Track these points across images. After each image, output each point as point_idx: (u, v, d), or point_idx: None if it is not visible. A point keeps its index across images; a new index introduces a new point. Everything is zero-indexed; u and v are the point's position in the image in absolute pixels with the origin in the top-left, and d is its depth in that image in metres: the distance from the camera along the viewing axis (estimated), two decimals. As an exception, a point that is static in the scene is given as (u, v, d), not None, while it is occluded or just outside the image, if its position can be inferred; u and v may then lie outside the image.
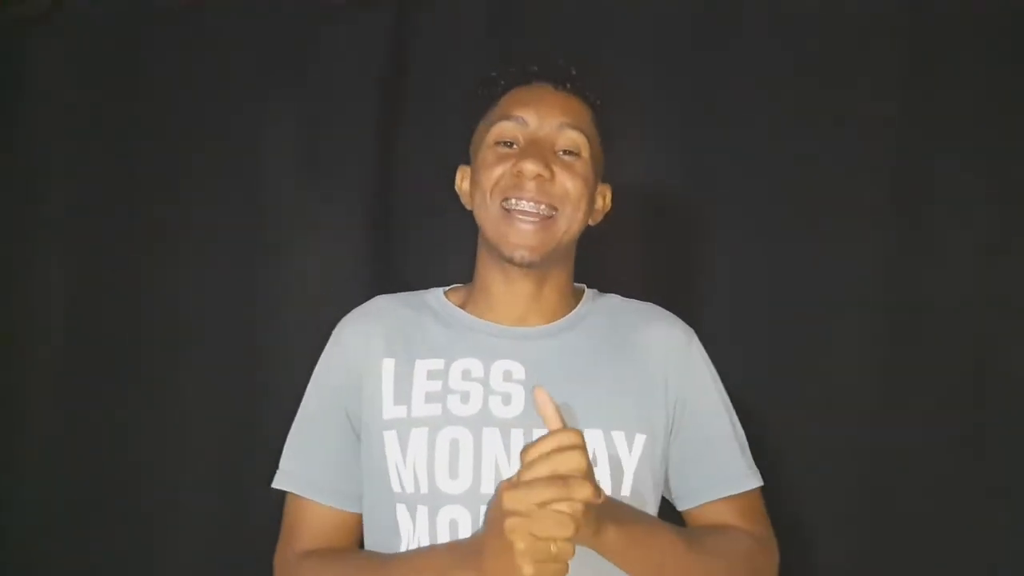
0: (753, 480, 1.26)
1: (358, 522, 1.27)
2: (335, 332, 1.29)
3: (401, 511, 1.16)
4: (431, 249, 1.82)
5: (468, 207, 1.29)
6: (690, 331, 1.29)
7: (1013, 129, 1.68)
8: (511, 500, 0.93)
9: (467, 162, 1.33)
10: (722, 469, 1.24)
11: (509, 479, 0.98)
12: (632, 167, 1.77)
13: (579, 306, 1.29)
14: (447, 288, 1.33)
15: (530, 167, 1.16)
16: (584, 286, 1.34)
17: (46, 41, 1.88)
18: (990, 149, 1.69)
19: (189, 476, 1.84)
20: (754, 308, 1.74)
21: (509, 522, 0.93)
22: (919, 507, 1.70)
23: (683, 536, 1.14)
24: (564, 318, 1.26)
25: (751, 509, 1.25)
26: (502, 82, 1.27)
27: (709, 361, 1.29)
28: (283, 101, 1.85)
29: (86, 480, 1.88)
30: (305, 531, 1.24)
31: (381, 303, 1.30)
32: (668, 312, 1.31)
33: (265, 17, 1.85)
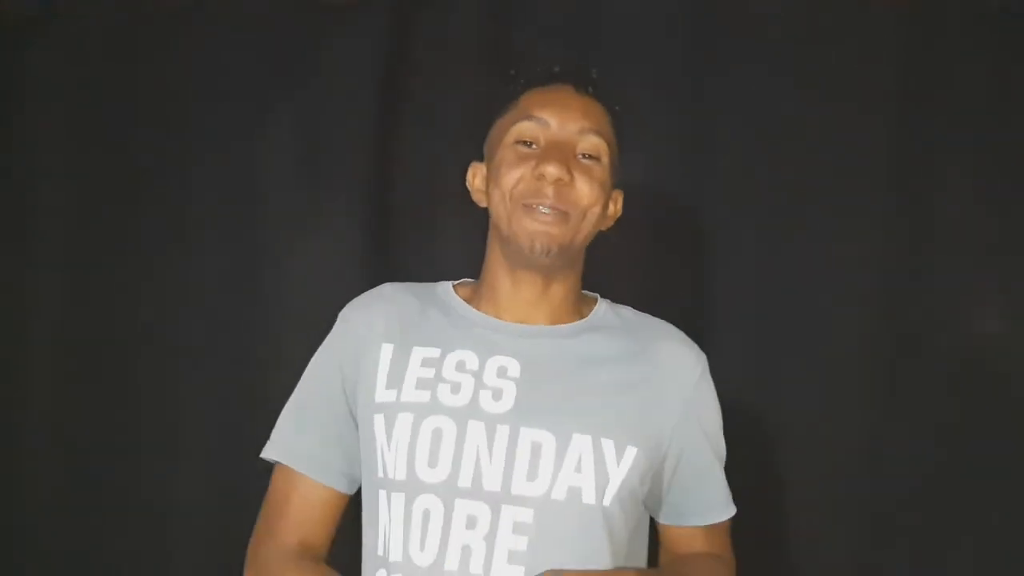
0: (730, 509, 1.30)
1: (343, 504, 1.27)
2: (342, 312, 1.29)
3: (382, 497, 1.17)
4: (430, 249, 1.82)
5: (480, 204, 1.28)
6: (702, 356, 1.27)
7: (1011, 131, 1.68)
8: None
9: (470, 160, 1.31)
10: (707, 499, 1.28)
11: None
12: (630, 169, 1.77)
13: (591, 314, 1.27)
14: (456, 282, 1.32)
15: (551, 170, 1.15)
16: (597, 295, 1.31)
17: (45, 42, 1.88)
18: (989, 151, 1.69)
19: (186, 476, 1.85)
20: (752, 312, 1.74)
21: None
22: (918, 510, 1.70)
23: None
24: (572, 323, 1.25)
25: (723, 534, 1.31)
26: (522, 80, 1.26)
27: (714, 389, 1.27)
28: (282, 102, 1.85)
29: (85, 478, 1.88)
30: (290, 508, 1.24)
31: (389, 289, 1.30)
32: (682, 333, 1.29)
33: (265, 18, 1.85)
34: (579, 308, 1.27)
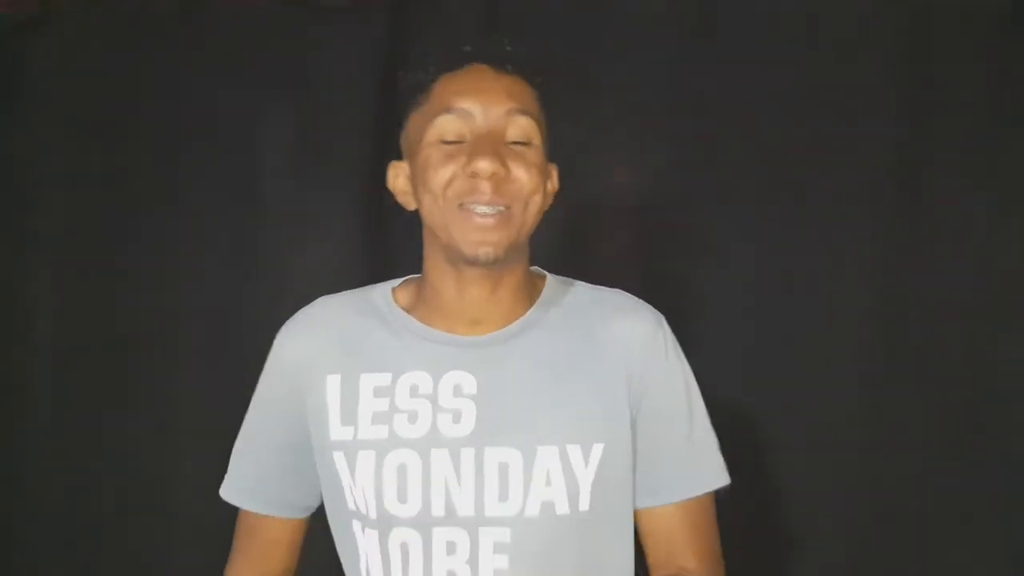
0: (710, 479, 1.15)
1: (306, 525, 1.24)
2: (275, 343, 1.20)
3: (357, 527, 1.14)
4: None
5: (408, 207, 1.15)
6: (657, 318, 1.17)
7: (1012, 132, 1.68)
8: None
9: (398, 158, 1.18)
10: (667, 472, 1.14)
11: None
12: (630, 169, 1.77)
13: (537, 303, 1.17)
14: (397, 283, 1.21)
15: (485, 165, 1.05)
16: (545, 273, 1.21)
17: (45, 42, 1.89)
18: (989, 152, 1.69)
19: (186, 476, 1.85)
20: (750, 311, 1.74)
21: None
22: (915, 515, 1.70)
23: None
24: (520, 319, 1.15)
25: (705, 517, 1.16)
26: (432, 68, 1.12)
27: (678, 351, 1.17)
28: (282, 102, 1.85)
29: (85, 478, 1.89)
30: (253, 546, 1.23)
31: (323, 308, 1.21)
32: (635, 299, 1.19)
33: (264, 18, 1.85)
34: (530, 294, 1.17)
